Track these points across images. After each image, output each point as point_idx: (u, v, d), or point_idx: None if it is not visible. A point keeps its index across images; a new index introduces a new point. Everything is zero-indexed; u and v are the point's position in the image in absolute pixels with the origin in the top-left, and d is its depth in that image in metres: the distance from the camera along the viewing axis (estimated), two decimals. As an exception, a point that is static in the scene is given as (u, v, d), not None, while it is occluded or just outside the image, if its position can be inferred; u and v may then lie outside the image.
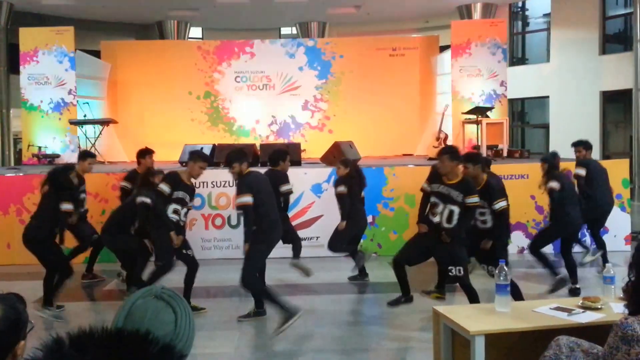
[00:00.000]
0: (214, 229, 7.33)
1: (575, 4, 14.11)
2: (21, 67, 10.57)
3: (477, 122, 9.46)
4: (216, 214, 7.34)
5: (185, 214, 5.02)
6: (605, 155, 13.39)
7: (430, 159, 8.94)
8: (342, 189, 5.59)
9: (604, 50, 13.98)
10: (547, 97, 14.91)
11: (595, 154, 13.16)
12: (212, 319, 4.92)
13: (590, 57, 13.96)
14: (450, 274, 4.49)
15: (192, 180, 5.07)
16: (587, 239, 6.62)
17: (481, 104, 10.55)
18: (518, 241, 7.16)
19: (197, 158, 4.89)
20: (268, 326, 4.46)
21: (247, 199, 4.45)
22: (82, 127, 10.33)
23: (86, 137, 10.23)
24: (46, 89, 10.49)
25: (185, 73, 12.36)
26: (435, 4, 14.09)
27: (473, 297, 4.40)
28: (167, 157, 9.21)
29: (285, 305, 4.38)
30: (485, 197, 4.53)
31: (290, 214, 6.22)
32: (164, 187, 4.85)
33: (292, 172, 5.90)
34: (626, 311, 2.18)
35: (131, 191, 5.58)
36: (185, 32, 15.62)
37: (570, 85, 14.21)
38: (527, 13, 16.21)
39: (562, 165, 5.57)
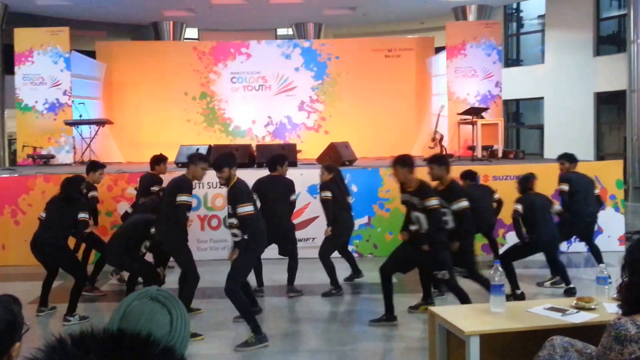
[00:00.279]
0: (209, 230, 7.33)
1: (569, 6, 14.18)
2: (16, 68, 10.54)
3: (473, 123, 9.50)
4: (212, 215, 7.34)
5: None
6: (600, 156, 13.46)
7: (425, 159, 8.95)
8: (326, 194, 5.55)
9: (598, 52, 14.05)
10: (542, 98, 14.98)
11: (590, 155, 13.28)
12: (207, 319, 4.92)
13: (584, 58, 14.04)
14: (437, 277, 4.53)
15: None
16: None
17: (476, 105, 10.59)
18: (513, 241, 7.17)
19: (197, 160, 4.76)
20: (263, 326, 4.46)
21: (251, 208, 4.32)
22: (77, 127, 10.30)
23: (81, 137, 10.20)
24: (41, 89, 10.46)
25: (181, 74, 12.35)
26: (431, 5, 14.12)
27: (463, 299, 4.41)
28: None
29: (257, 328, 4.27)
30: (448, 198, 4.59)
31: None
32: (189, 199, 4.65)
33: (289, 174, 5.90)
34: (620, 311, 2.20)
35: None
36: (181, 33, 15.59)
37: (565, 86, 14.28)
38: (521, 14, 16.27)
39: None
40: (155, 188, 5.95)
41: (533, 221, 5.30)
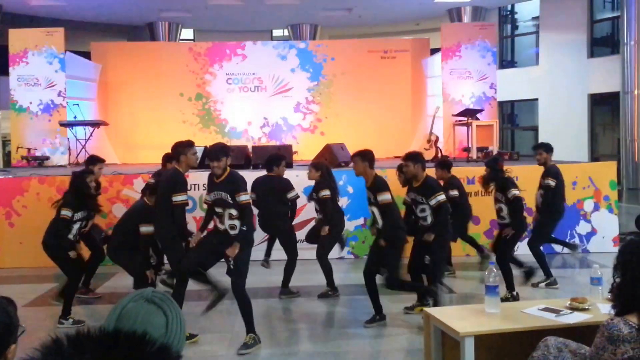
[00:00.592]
0: (205, 231, 7.30)
1: (563, 8, 14.26)
2: (10, 69, 10.50)
3: (468, 125, 9.54)
4: (207, 216, 7.31)
5: None
6: (594, 157, 13.53)
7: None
8: (326, 193, 5.55)
9: (592, 54, 14.14)
10: (536, 99, 15.05)
11: (584, 156, 13.35)
12: (204, 320, 4.91)
13: (578, 60, 14.11)
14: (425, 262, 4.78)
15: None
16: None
17: (471, 106, 10.63)
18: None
19: (184, 148, 4.63)
20: (260, 328, 4.46)
21: (249, 197, 4.38)
22: (72, 128, 10.27)
23: (76, 138, 10.17)
24: (36, 90, 10.42)
25: (177, 75, 12.33)
26: (426, 7, 14.17)
27: (432, 293, 4.64)
28: (157, 159, 9.13)
29: (253, 328, 4.27)
30: (424, 194, 4.76)
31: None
32: (185, 197, 4.61)
33: (285, 175, 5.90)
34: (613, 312, 2.21)
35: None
36: (177, 34, 15.58)
37: (559, 88, 14.36)
38: (516, 16, 16.36)
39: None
40: (151, 180, 5.85)
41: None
